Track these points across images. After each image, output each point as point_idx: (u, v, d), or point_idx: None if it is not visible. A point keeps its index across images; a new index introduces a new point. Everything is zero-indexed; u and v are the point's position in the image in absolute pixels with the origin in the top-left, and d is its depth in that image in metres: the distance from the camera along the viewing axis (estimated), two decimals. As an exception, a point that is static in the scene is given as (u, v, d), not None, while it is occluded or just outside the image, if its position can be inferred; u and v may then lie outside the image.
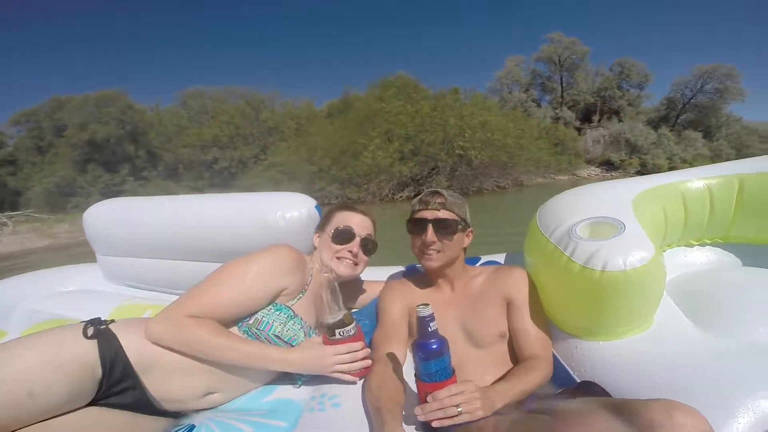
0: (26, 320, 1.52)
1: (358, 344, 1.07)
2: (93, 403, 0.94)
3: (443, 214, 1.17)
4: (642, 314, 1.12)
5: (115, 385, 0.95)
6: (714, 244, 1.50)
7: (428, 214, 1.18)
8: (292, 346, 1.08)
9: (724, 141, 26.37)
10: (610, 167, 24.36)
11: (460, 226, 1.19)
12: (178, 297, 1.10)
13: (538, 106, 28.98)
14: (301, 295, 1.15)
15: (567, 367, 1.15)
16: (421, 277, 1.33)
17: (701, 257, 1.49)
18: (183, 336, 0.98)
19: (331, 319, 1.05)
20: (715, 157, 24.63)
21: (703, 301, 1.21)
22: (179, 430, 0.96)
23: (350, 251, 1.22)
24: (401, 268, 1.64)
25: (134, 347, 0.97)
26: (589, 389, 1.02)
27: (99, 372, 0.93)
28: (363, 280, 1.47)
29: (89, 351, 0.93)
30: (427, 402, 0.87)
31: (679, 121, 27.96)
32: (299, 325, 1.11)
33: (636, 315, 1.11)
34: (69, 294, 1.80)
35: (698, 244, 1.51)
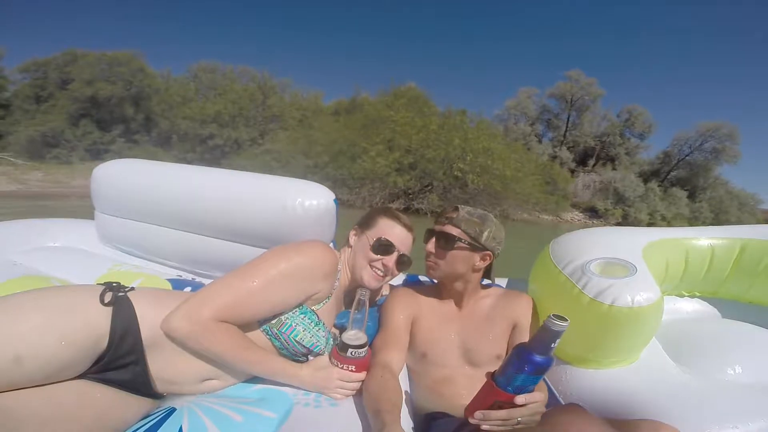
0: (4, 273, 1.38)
1: (362, 375, 1.05)
2: (82, 376, 0.86)
3: (448, 228, 1.19)
4: (633, 349, 1.26)
5: (118, 359, 0.88)
6: (703, 297, 1.69)
7: (436, 227, 1.23)
8: (312, 351, 1.08)
9: (706, 203, 27.05)
10: (593, 214, 24.79)
11: (463, 243, 1.17)
12: (191, 291, 1.03)
13: (539, 141, 29.35)
14: (327, 300, 1.14)
15: (554, 390, 1.25)
16: (430, 288, 1.34)
17: (689, 307, 1.67)
18: (206, 344, 0.93)
19: (349, 339, 1.03)
20: (693, 219, 25.36)
21: (685, 343, 1.37)
22: (159, 411, 0.91)
23: (385, 264, 1.20)
24: (402, 276, 1.68)
25: (150, 321, 0.91)
26: (574, 411, 1.07)
27: (104, 343, 0.86)
28: None
29: (101, 319, 0.86)
30: (492, 408, 0.84)
31: (669, 177, 28.73)
32: (323, 331, 1.10)
33: (629, 348, 1.25)
34: (56, 250, 1.68)
35: (689, 295, 1.69)
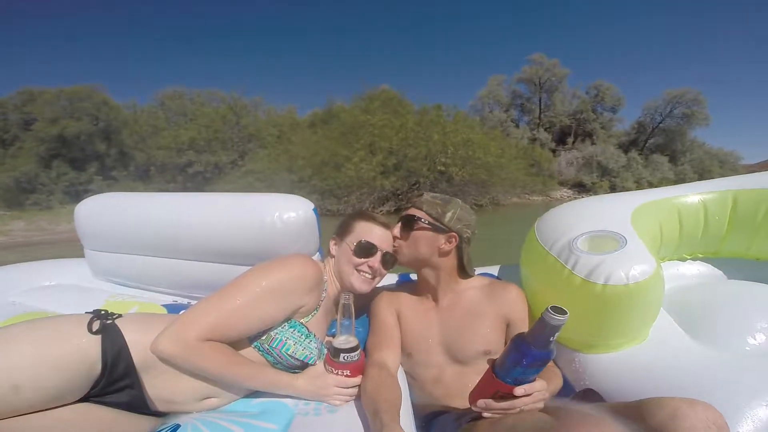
0: (3, 313, 1.43)
1: (358, 379, 1.05)
2: (83, 399, 0.89)
3: (411, 211, 1.20)
4: (640, 326, 1.15)
5: (114, 383, 0.91)
6: (706, 259, 1.55)
7: (403, 213, 1.23)
8: (306, 363, 1.08)
9: (688, 165, 27.88)
10: (582, 189, 25.24)
11: (424, 223, 1.16)
12: (182, 312, 1.02)
13: (517, 126, 29.87)
14: (315, 311, 1.13)
15: (567, 378, 1.16)
16: (412, 285, 1.33)
17: (693, 270, 1.54)
18: (195, 363, 0.94)
19: (340, 344, 1.04)
20: (679, 181, 25.45)
21: (696, 313, 1.24)
22: (164, 428, 0.91)
23: (370, 266, 1.19)
24: (395, 277, 1.65)
25: (140, 346, 0.93)
26: (589, 397, 1.04)
27: (98, 369, 0.88)
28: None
29: (91, 347, 0.88)
30: (493, 398, 0.84)
31: (647, 144, 29.43)
32: (315, 343, 1.10)
33: (635, 327, 1.13)
34: (52, 288, 1.70)
35: (691, 258, 1.55)
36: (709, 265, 1.55)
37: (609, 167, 25.45)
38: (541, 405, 0.85)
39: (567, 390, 1.13)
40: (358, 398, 1.03)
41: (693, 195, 1.47)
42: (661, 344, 1.14)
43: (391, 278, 1.61)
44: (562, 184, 25.66)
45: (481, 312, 1.18)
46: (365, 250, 1.19)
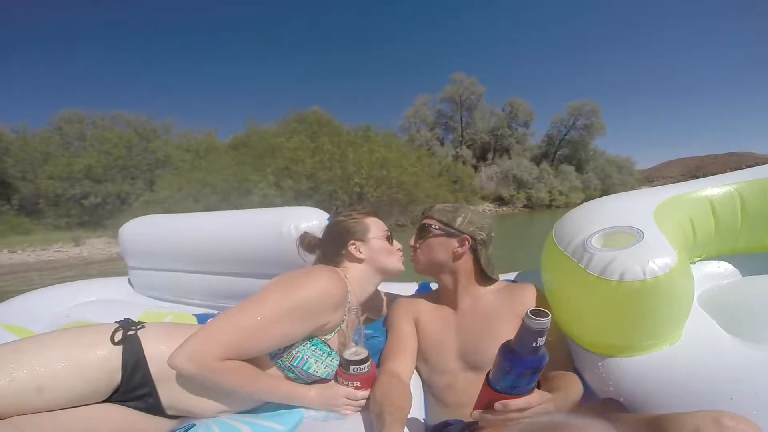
0: (54, 323, 1.61)
1: (368, 392, 1.04)
2: (105, 400, 0.93)
3: (424, 220, 1.26)
4: (669, 325, 1.02)
5: (132, 391, 0.94)
6: (723, 257, 1.42)
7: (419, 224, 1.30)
8: (327, 380, 1.08)
9: (592, 173, 30.87)
10: (502, 202, 26.98)
11: (437, 230, 1.22)
12: (201, 324, 1.07)
13: (442, 144, 31.28)
14: (338, 328, 1.11)
15: (590, 385, 1.06)
16: (432, 294, 1.35)
17: (732, 268, 1.40)
18: (212, 381, 0.94)
19: (350, 355, 1.04)
20: (586, 188, 28.68)
21: (738, 311, 1.13)
22: (179, 430, 0.96)
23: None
24: (415, 286, 1.68)
25: (158, 357, 0.95)
26: (611, 407, 0.97)
27: (118, 378, 0.93)
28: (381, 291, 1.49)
29: (113, 357, 0.93)
30: (492, 407, 0.80)
31: (557, 156, 32.29)
32: (336, 360, 1.09)
33: (662, 327, 1.01)
34: (95, 303, 1.88)
35: (728, 253, 1.42)
36: (752, 260, 1.40)
37: (524, 180, 27.42)
38: (542, 418, 0.81)
39: (590, 398, 1.04)
40: (367, 408, 1.03)
41: (726, 186, 1.34)
42: (696, 345, 1.01)
43: (411, 288, 1.66)
44: (484, 198, 27.10)
45: (501, 315, 1.16)
46: (390, 236, 1.28)
